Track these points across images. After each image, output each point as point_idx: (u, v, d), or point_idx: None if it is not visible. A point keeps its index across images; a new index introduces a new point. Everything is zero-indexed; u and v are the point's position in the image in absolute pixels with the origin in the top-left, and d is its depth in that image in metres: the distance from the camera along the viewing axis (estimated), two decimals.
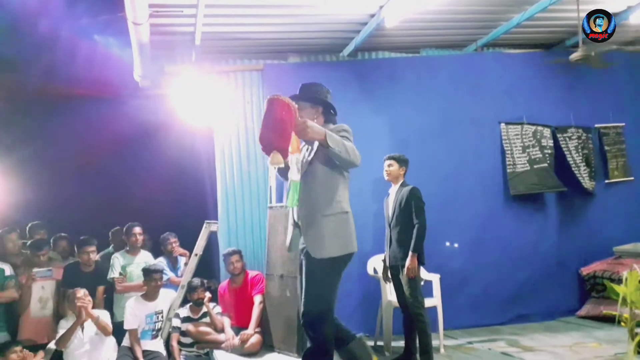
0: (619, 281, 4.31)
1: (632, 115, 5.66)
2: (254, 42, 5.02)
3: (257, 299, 4.41)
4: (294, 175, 2.73)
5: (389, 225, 4.05)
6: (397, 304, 4.22)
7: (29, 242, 4.87)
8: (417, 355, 3.83)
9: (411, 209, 3.89)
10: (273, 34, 4.88)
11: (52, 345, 4.17)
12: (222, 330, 4.38)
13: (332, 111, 2.89)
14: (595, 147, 5.59)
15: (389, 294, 4.39)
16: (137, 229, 4.76)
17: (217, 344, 4.33)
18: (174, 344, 4.39)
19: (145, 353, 4.26)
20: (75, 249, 4.68)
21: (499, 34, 5.17)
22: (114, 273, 4.64)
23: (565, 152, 5.41)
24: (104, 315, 4.23)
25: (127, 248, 4.81)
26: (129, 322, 4.31)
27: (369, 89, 5.17)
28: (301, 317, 2.72)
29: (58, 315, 4.40)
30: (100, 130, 5.86)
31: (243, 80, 5.09)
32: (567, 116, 5.50)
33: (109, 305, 4.61)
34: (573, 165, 5.40)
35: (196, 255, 4.71)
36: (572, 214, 5.43)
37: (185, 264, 4.88)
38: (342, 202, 2.72)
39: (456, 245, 5.07)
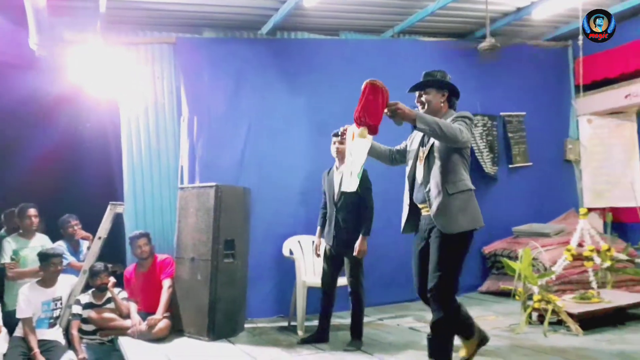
0: (516, 258, 4.64)
1: (532, 105, 6.04)
2: (166, 14, 4.75)
3: (166, 283, 4.25)
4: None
5: (335, 205, 3.97)
6: (312, 284, 4.24)
7: None
8: (349, 332, 3.85)
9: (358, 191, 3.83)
10: (187, 7, 4.64)
11: None
12: (127, 316, 4.19)
13: (455, 98, 3.02)
14: (500, 134, 5.93)
15: (304, 274, 4.40)
16: (32, 211, 4.39)
17: (122, 331, 4.14)
18: (74, 332, 4.13)
19: (42, 343, 3.97)
20: None
21: (414, 21, 5.28)
22: (4, 258, 4.26)
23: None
24: None
25: (21, 231, 4.43)
26: (23, 311, 3.98)
27: (286, 69, 5.10)
28: (430, 291, 2.80)
29: None
30: None
31: (153, 54, 4.82)
32: (475, 104, 5.77)
33: None
34: (477, 151, 5.69)
35: (100, 238, 4.44)
36: (477, 197, 5.72)
37: (88, 248, 4.59)
38: (465, 180, 2.86)
39: None
